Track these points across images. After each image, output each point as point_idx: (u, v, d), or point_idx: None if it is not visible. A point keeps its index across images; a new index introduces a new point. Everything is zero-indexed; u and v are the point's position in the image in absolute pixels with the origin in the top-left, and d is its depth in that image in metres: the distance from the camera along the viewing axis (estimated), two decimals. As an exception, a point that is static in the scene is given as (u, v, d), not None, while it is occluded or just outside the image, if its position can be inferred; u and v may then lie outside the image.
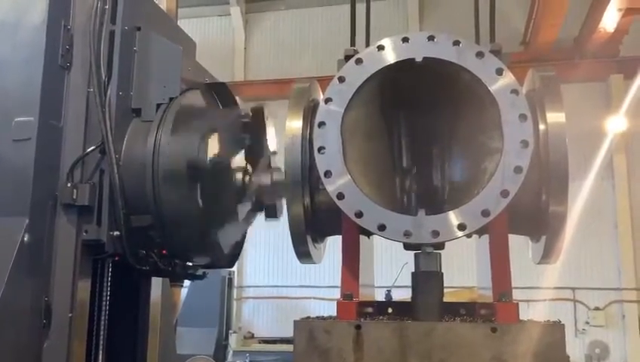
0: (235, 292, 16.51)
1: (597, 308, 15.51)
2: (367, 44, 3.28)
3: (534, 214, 2.86)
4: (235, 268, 16.58)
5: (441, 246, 2.94)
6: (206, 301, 15.28)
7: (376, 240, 3.62)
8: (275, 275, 16.81)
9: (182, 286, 5.03)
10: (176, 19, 4.16)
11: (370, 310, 2.99)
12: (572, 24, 14.74)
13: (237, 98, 3.71)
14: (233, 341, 15.56)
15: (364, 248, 3.18)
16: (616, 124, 14.91)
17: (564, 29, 14.46)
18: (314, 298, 15.91)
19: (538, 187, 2.80)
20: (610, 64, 15.53)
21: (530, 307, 15.63)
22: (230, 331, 15.64)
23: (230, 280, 16.06)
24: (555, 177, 2.75)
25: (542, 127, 2.81)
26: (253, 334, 16.65)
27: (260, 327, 16.78)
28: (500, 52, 2.89)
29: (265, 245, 16.26)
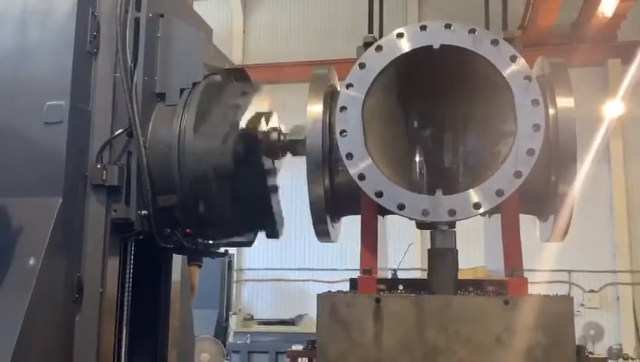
0: (234, 274, 16.71)
1: (592, 291, 15.76)
2: (381, 32, 3.43)
3: (543, 194, 3.02)
4: (234, 251, 16.76)
5: (454, 224, 3.10)
6: (206, 283, 15.42)
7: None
8: (274, 258, 16.98)
9: (200, 266, 5.19)
10: (191, 3, 4.25)
11: (383, 286, 3.15)
12: (570, 8, 14.84)
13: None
14: (233, 322, 15.78)
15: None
16: (613, 108, 15.07)
17: (562, 14, 14.55)
18: (313, 280, 16.11)
19: (547, 168, 2.96)
20: (608, 49, 15.67)
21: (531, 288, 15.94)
22: (230, 313, 15.85)
23: (230, 263, 16.24)
24: (564, 159, 2.90)
25: (552, 111, 2.95)
26: (252, 316, 16.87)
27: (260, 309, 17.00)
28: (513, 39, 3.03)
29: (264, 228, 16.37)
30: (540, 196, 3.04)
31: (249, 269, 17.52)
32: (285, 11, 18.29)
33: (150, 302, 3.81)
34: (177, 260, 3.97)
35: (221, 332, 15.13)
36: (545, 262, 15.28)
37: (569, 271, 15.87)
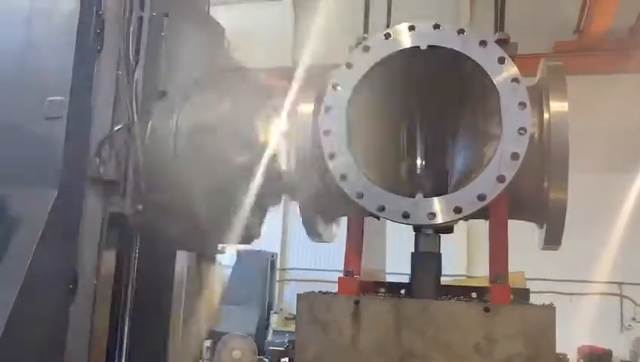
0: (277, 274, 16.84)
1: (644, 304, 15.22)
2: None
3: (536, 201, 2.93)
4: (278, 251, 16.90)
5: (446, 229, 3.05)
6: (249, 282, 15.66)
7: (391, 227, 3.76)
8: (317, 259, 17.02)
9: (213, 263, 5.24)
10: (208, 5, 4.31)
11: (383, 290, 3.13)
12: (627, 12, 14.35)
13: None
14: (274, 321, 15.89)
15: (374, 232, 3.31)
16: (670, 116, 14.51)
17: (618, 18, 14.09)
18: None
19: (540, 174, 2.87)
20: (666, 55, 15.07)
21: (573, 301, 15.48)
22: (272, 311, 15.99)
23: (273, 263, 16.39)
24: (555, 164, 2.80)
25: (545, 115, 2.87)
26: (294, 315, 16.91)
27: (302, 309, 17.03)
28: (508, 41, 2.95)
29: (307, 229, 16.45)
30: (532, 202, 2.95)
31: (292, 269, 17.63)
32: (336, 12, 18.30)
33: (154, 296, 3.88)
34: (182, 256, 4.03)
35: (262, 330, 15.28)
36: (595, 273, 14.88)
37: (620, 284, 15.36)
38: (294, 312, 13.60)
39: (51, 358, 3.06)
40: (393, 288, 3.12)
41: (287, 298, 17.48)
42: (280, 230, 17.22)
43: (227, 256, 15.45)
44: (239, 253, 15.56)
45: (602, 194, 15.12)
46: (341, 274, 2.90)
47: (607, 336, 14.37)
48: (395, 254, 4.10)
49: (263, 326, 15.54)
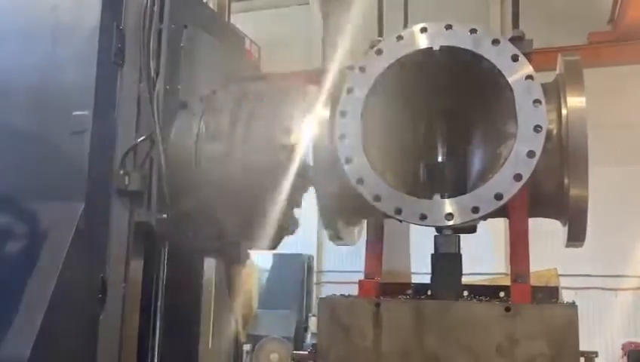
0: (314, 276, 16.89)
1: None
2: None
3: (557, 198, 2.90)
4: (314, 253, 16.95)
5: (469, 229, 3.04)
6: (286, 285, 15.75)
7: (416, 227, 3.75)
8: (354, 260, 17.00)
9: (242, 265, 5.30)
10: (228, 14, 4.38)
11: (409, 292, 3.14)
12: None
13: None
14: (313, 324, 15.93)
15: (397, 233, 3.32)
16: None
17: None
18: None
19: (560, 171, 2.84)
20: None
21: (619, 296, 15.16)
22: (310, 314, 16.03)
23: (309, 265, 16.46)
24: (574, 160, 2.77)
25: (564, 111, 2.84)
26: (332, 318, 16.92)
27: (340, 312, 17.03)
28: (523, 38, 2.93)
29: (343, 231, 16.47)
30: (553, 199, 2.92)
31: (329, 271, 17.66)
32: (364, 16, 18.30)
33: (183, 304, 3.94)
34: (210, 262, 4.09)
35: (300, 333, 15.34)
36: (633, 268, 14.55)
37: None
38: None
39: (83, 367, 3.15)
40: (418, 289, 3.11)
41: (325, 300, 17.49)
42: (315, 232, 17.27)
43: (263, 260, 15.57)
44: (275, 257, 15.67)
45: (638, 187, 14.81)
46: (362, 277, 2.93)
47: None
48: (422, 254, 4.10)
49: (302, 329, 15.60)
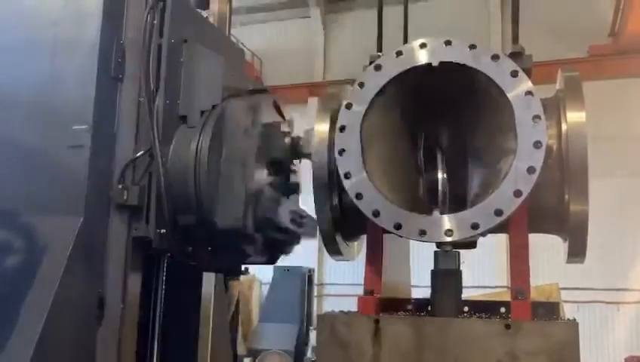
0: (315, 289, 16.84)
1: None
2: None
3: (557, 213, 2.89)
4: (315, 266, 16.91)
5: (470, 245, 3.02)
6: (287, 298, 15.70)
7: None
8: (355, 273, 16.96)
9: (237, 279, 5.29)
10: (229, 27, 4.38)
11: (411, 307, 3.12)
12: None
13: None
14: (314, 337, 15.87)
15: (396, 247, 3.30)
16: None
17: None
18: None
19: (560, 186, 2.83)
20: None
21: (621, 310, 15.10)
22: (311, 327, 15.97)
23: (310, 278, 16.41)
24: (574, 176, 2.76)
25: (564, 126, 2.83)
26: (333, 331, 16.86)
27: (341, 325, 16.97)
28: (522, 54, 2.93)
29: (344, 243, 16.46)
30: (553, 215, 2.91)
31: (330, 284, 17.62)
32: (365, 27, 18.38)
33: (181, 319, 3.92)
34: (209, 277, 4.08)
35: (301, 346, 15.27)
36: (635, 281, 14.51)
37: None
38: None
39: (80, 383, 3.12)
40: (418, 304, 3.09)
41: (326, 313, 17.44)
42: (316, 245, 17.26)
43: (264, 273, 15.52)
44: (276, 270, 15.64)
45: (642, 200, 14.81)
46: (361, 293, 2.91)
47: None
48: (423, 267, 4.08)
49: (302, 342, 15.53)
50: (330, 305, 17.61)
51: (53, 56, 3.44)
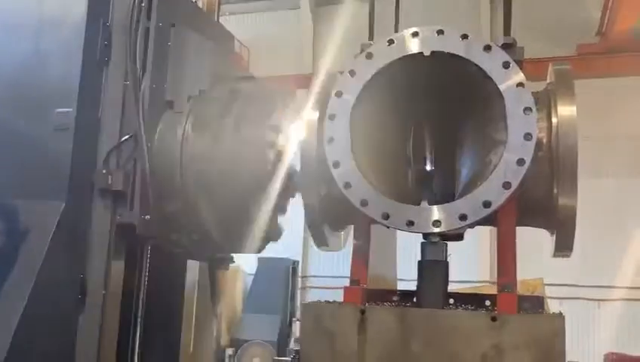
0: (299, 281, 16.81)
1: (675, 308, 14.90)
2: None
3: (546, 207, 2.87)
4: (299, 258, 16.88)
5: (456, 237, 3.00)
6: (271, 289, 15.66)
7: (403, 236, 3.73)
8: (339, 266, 16.96)
9: (226, 269, 5.24)
10: (217, 14, 4.33)
11: (396, 298, 3.09)
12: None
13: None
14: (297, 328, 15.86)
15: (384, 239, 3.28)
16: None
17: (643, 17, 13.86)
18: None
19: (549, 180, 2.81)
20: (693, 54, 14.81)
21: (602, 307, 15.22)
22: (294, 319, 15.95)
23: (295, 270, 16.38)
24: (564, 170, 2.74)
25: (554, 120, 2.81)
26: (316, 323, 16.85)
27: (324, 317, 16.95)
28: (514, 45, 2.91)
29: (329, 236, 16.44)
30: (542, 209, 2.89)
31: (314, 276, 17.59)
32: (355, 20, 18.30)
33: (164, 306, 3.89)
34: (194, 264, 4.04)
35: (284, 337, 15.25)
36: (621, 278, 14.61)
37: (649, 288, 15.05)
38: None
39: (60, 368, 3.07)
40: (404, 296, 3.07)
41: (310, 305, 17.41)
42: (301, 237, 17.21)
43: (248, 264, 15.47)
44: (260, 261, 15.59)
45: (629, 198, 14.87)
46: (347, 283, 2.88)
47: (635, 343, 14.11)
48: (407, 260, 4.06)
49: (285, 333, 15.51)
50: (313, 297, 17.49)
51: (38, 38, 3.38)
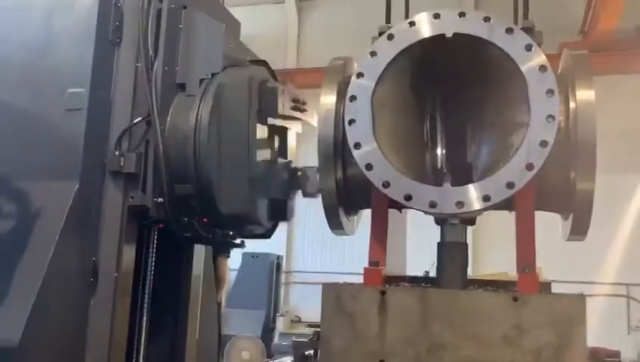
0: (283, 276, 16.81)
1: (652, 306, 15.16)
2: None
3: (563, 191, 2.90)
4: (283, 253, 16.88)
5: (471, 221, 3.02)
6: (255, 284, 15.64)
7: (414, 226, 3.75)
8: (323, 261, 16.99)
9: (228, 256, 5.21)
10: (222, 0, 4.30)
11: (394, 282, 3.10)
12: (634, 12, 14.32)
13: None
14: (280, 324, 15.85)
15: (395, 226, 3.28)
16: (677, 116, 14.52)
17: (625, 18, 14.07)
18: (362, 284, 16.02)
19: (567, 164, 2.84)
20: (674, 54, 15.07)
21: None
22: (277, 314, 15.95)
23: (279, 265, 16.38)
24: (583, 154, 2.77)
25: (572, 104, 2.84)
26: (300, 318, 16.91)
27: (307, 312, 17.00)
28: (533, 30, 2.94)
29: (313, 231, 16.48)
30: (559, 192, 2.91)
31: (298, 271, 17.60)
32: (339, 14, 18.33)
33: (171, 291, 3.86)
34: (199, 250, 4.01)
35: (267, 333, 15.23)
36: (602, 274, 14.84)
37: (627, 285, 15.30)
38: (300, 315, 13.70)
39: (73, 351, 3.03)
40: (417, 282, 3.09)
41: (293, 300, 17.43)
42: (285, 232, 17.19)
43: (232, 258, 15.46)
44: (244, 256, 15.55)
45: (609, 195, 15.06)
46: (366, 265, 2.88)
47: (615, 338, 14.32)
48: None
49: (269, 329, 15.50)
50: (297, 293, 17.64)
51: (49, 18, 3.34)
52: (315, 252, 17.25)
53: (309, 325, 16.21)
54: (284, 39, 18.50)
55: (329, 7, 18.58)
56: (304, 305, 17.19)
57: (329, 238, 16.47)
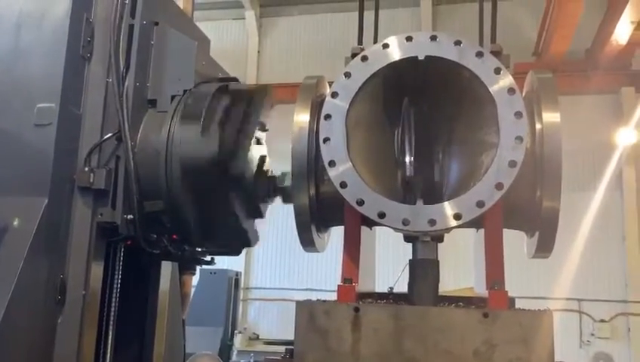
0: (241, 293, 16.67)
1: (602, 320, 15.52)
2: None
3: (529, 209, 2.99)
4: (242, 270, 16.76)
5: (439, 238, 3.08)
6: (212, 301, 15.45)
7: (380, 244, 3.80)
8: (282, 278, 16.93)
9: (193, 274, 5.18)
10: (191, 16, 4.31)
11: (371, 300, 3.13)
12: (584, 36, 14.83)
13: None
14: (238, 341, 15.71)
15: (365, 242, 3.32)
16: (626, 136, 15.03)
17: (576, 41, 14.53)
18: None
19: (533, 183, 2.93)
20: (622, 77, 15.62)
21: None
22: (235, 331, 15.80)
23: (237, 281, 16.24)
24: (548, 173, 2.87)
25: (538, 125, 2.94)
26: (258, 335, 16.78)
27: (265, 329, 16.90)
28: (501, 53, 3.04)
29: (272, 247, 16.43)
30: (525, 211, 3.01)
31: (256, 288, 17.48)
32: (299, 32, 18.45)
33: (137, 309, 3.81)
34: (166, 267, 3.98)
35: (225, 350, 15.07)
36: (555, 290, 15.16)
37: (579, 300, 15.67)
38: (258, 332, 13.58)
39: (40, 369, 2.97)
40: (388, 299, 3.13)
41: (251, 317, 17.30)
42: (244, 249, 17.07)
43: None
44: (202, 272, 15.37)
45: (562, 212, 15.49)
46: (340, 282, 2.90)
47: (567, 352, 14.64)
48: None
49: (227, 346, 15.33)
50: (255, 309, 17.53)
51: (19, 31, 3.29)
52: (273, 268, 17.18)
53: (267, 342, 16.13)
54: (244, 55, 18.50)
55: (289, 24, 18.69)
56: (262, 321, 17.08)
57: (286, 255, 16.54)
